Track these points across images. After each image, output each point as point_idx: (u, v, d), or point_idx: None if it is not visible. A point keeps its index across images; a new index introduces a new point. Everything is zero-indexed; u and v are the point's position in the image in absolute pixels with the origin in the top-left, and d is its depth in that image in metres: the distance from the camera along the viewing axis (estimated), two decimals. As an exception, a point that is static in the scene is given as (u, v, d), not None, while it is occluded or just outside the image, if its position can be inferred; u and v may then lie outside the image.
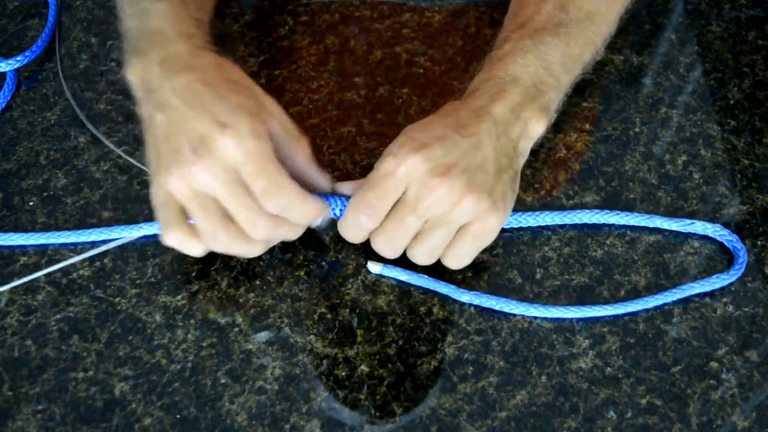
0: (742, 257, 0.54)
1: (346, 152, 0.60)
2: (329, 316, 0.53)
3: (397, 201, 0.48)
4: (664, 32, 0.68)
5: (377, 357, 0.51)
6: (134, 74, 0.50)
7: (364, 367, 0.51)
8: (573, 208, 0.57)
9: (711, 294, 0.54)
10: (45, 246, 0.55)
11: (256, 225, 0.48)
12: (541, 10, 0.55)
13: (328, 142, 0.61)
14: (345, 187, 0.53)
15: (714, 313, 0.53)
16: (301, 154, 0.50)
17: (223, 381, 0.50)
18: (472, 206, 0.48)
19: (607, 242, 0.56)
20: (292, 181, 0.47)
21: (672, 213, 0.57)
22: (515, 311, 0.52)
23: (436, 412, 0.49)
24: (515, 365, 0.51)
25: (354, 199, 0.49)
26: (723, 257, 0.56)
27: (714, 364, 0.51)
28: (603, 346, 0.52)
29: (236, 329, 0.52)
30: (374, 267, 0.54)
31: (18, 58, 0.63)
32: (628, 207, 0.57)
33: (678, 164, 0.60)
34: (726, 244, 0.55)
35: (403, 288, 0.54)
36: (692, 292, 0.53)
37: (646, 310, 0.53)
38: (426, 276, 0.53)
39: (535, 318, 0.52)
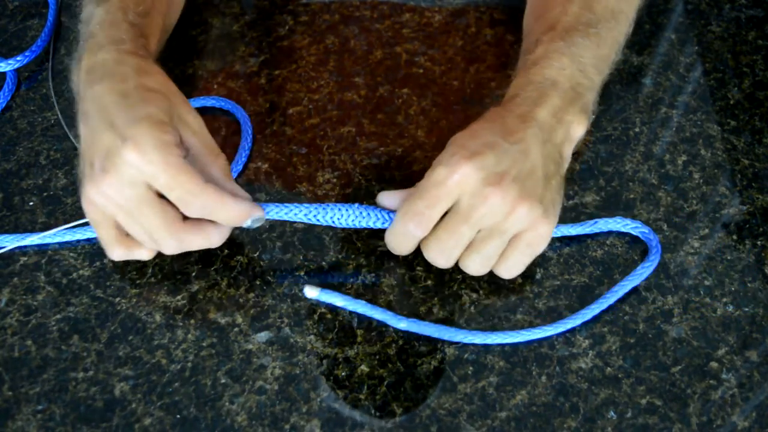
0: (655, 245, 0.55)
1: (346, 152, 0.60)
2: (329, 316, 0.53)
3: (449, 210, 0.48)
4: (664, 32, 0.68)
5: (377, 357, 0.51)
6: (72, 81, 0.50)
7: (364, 367, 0.51)
8: (573, 208, 0.57)
9: (710, 294, 0.54)
10: (46, 246, 0.55)
11: (164, 242, 0.48)
12: (567, 10, 0.54)
13: (328, 142, 0.61)
14: (387, 198, 0.51)
15: (714, 313, 0.53)
16: (216, 167, 0.49)
17: (223, 381, 0.50)
18: (525, 215, 0.47)
19: (607, 242, 0.56)
20: (207, 185, 0.46)
21: (672, 213, 0.57)
22: (454, 339, 0.51)
23: (436, 412, 0.49)
24: (515, 365, 0.51)
25: (403, 208, 0.48)
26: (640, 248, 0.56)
27: (714, 364, 0.51)
28: (603, 346, 0.52)
29: (236, 329, 0.52)
30: (311, 292, 0.52)
31: (18, 58, 0.63)
32: (628, 207, 0.57)
33: (678, 164, 0.60)
34: (640, 236, 0.55)
35: (403, 288, 0.54)
36: (624, 291, 0.53)
37: (589, 322, 0.53)
38: (363, 301, 0.52)
39: (471, 344, 0.51)
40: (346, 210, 0.51)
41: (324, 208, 0.51)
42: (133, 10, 0.52)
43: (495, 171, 0.46)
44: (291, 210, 0.51)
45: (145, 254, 0.51)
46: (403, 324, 0.51)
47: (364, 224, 0.51)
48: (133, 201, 0.46)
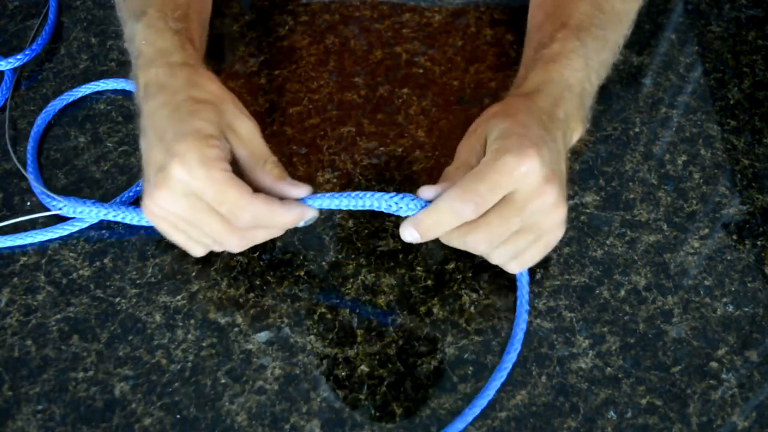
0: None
1: (346, 152, 0.60)
2: (329, 316, 0.53)
3: (502, 199, 0.46)
4: (664, 32, 0.68)
5: (377, 357, 0.51)
6: (135, 99, 0.51)
7: (364, 367, 0.51)
8: (574, 207, 0.57)
9: (710, 294, 0.54)
10: (46, 245, 0.55)
11: (226, 243, 0.49)
12: (579, 7, 0.54)
13: (328, 142, 0.61)
14: (427, 191, 0.48)
15: (714, 313, 0.53)
16: (265, 173, 0.49)
17: (223, 381, 0.50)
18: (562, 217, 0.47)
19: (607, 242, 0.56)
20: (255, 196, 0.47)
21: (672, 213, 0.57)
22: None
23: (436, 412, 0.49)
24: (515, 365, 0.51)
25: (460, 188, 0.46)
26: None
27: (714, 364, 0.51)
28: (603, 346, 0.52)
29: (236, 329, 0.52)
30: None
31: (18, 56, 0.63)
32: (628, 207, 0.57)
33: (678, 164, 0.60)
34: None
35: (403, 288, 0.54)
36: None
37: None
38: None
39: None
40: (384, 199, 0.49)
41: (362, 197, 0.49)
42: (171, 17, 0.52)
43: (551, 168, 0.46)
44: (334, 199, 0.50)
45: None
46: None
47: (402, 213, 0.49)
48: (188, 212, 0.47)
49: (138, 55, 0.51)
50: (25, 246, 0.55)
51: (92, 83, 0.63)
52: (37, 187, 0.57)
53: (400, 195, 0.48)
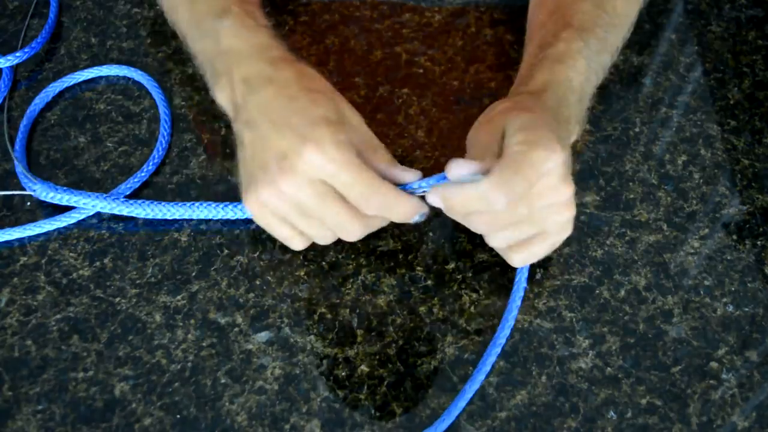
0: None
1: (346, 152, 0.60)
2: (329, 316, 0.53)
3: None
4: (664, 32, 0.68)
5: (377, 357, 0.51)
6: (222, 95, 0.51)
7: (364, 367, 0.51)
8: (573, 208, 0.57)
9: (710, 294, 0.54)
10: (46, 245, 0.55)
11: (349, 230, 0.49)
12: (582, 8, 0.54)
13: (328, 142, 0.61)
14: (458, 169, 0.47)
15: (714, 313, 0.53)
16: (380, 160, 0.49)
17: (223, 381, 0.50)
18: (570, 218, 0.48)
19: (607, 242, 0.56)
20: (384, 183, 0.47)
21: (672, 213, 0.57)
22: None
23: (436, 412, 0.49)
24: (515, 365, 0.51)
25: (496, 178, 0.45)
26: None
27: (714, 364, 0.51)
28: (603, 346, 0.52)
29: (236, 329, 0.52)
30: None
31: (17, 54, 0.63)
32: (628, 207, 0.57)
33: (678, 164, 0.60)
34: None
35: (403, 288, 0.54)
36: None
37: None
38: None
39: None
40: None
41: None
42: (260, 14, 0.52)
43: (568, 167, 0.46)
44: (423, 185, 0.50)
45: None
46: None
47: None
48: (314, 198, 0.46)
49: (231, 51, 0.50)
50: (11, 241, 0.55)
51: (90, 69, 0.64)
52: (19, 167, 0.58)
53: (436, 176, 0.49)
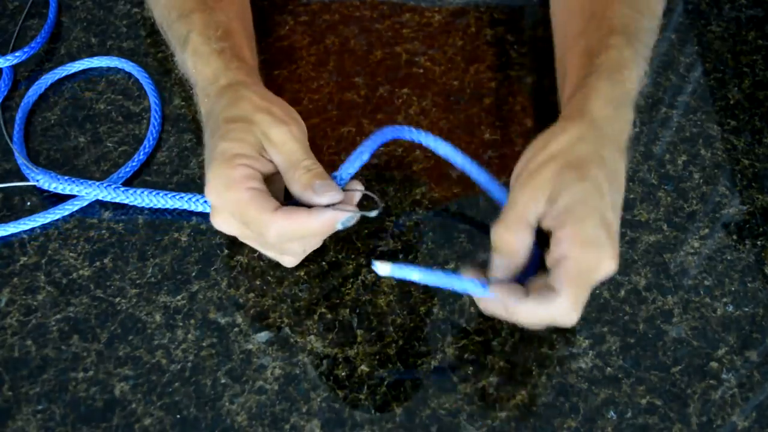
0: None
1: (346, 152, 0.60)
2: (329, 316, 0.53)
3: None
4: (664, 32, 0.68)
5: (377, 357, 0.51)
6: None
7: (364, 367, 0.51)
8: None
9: (710, 294, 0.54)
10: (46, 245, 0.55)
11: (273, 258, 0.52)
12: (622, 11, 0.53)
13: (328, 142, 0.61)
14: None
15: (714, 313, 0.53)
16: (295, 184, 0.48)
17: (223, 381, 0.50)
18: (564, 325, 0.48)
19: (607, 242, 0.56)
20: (275, 215, 0.46)
21: (672, 213, 0.57)
22: None
23: (436, 412, 0.49)
24: (515, 365, 0.51)
25: (571, 302, 0.45)
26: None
27: (714, 364, 0.51)
28: (603, 346, 0.52)
29: (236, 329, 0.52)
30: (382, 268, 0.46)
31: (17, 54, 0.63)
32: (628, 207, 0.57)
33: (678, 164, 0.60)
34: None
35: (403, 288, 0.54)
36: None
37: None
38: (443, 271, 0.48)
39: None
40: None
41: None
42: (214, 37, 0.53)
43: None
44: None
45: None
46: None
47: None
48: (236, 231, 0.49)
49: (195, 84, 0.53)
50: (13, 237, 0.55)
51: (82, 60, 0.64)
52: (20, 158, 0.58)
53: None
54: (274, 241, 0.48)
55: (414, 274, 0.47)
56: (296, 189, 0.48)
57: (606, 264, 0.45)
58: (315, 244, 0.51)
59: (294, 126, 0.49)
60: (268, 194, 0.47)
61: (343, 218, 0.47)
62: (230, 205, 0.47)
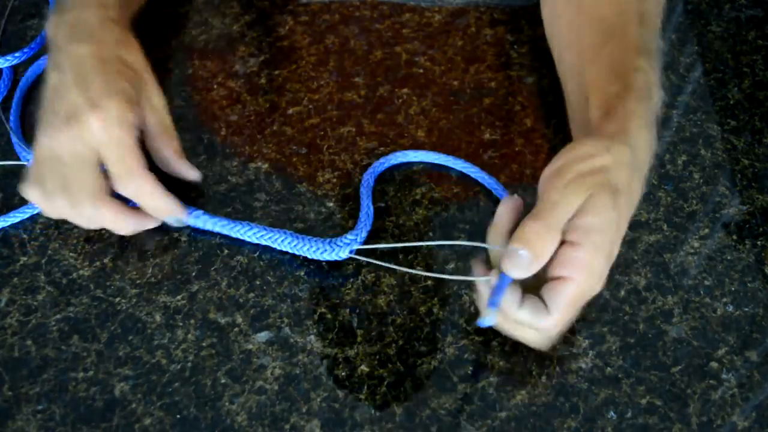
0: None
1: (346, 152, 0.60)
2: (329, 316, 0.53)
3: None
4: (664, 32, 0.68)
5: (377, 357, 0.51)
6: (50, 29, 0.53)
7: (364, 367, 0.51)
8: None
9: (710, 294, 0.54)
10: (46, 245, 0.55)
11: (82, 208, 0.51)
12: (637, 30, 0.52)
13: (328, 142, 0.61)
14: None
15: (714, 313, 0.53)
16: (167, 149, 0.54)
17: (223, 381, 0.50)
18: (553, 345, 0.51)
19: (607, 242, 0.56)
20: (146, 173, 0.50)
21: (672, 213, 0.57)
22: None
23: (436, 412, 0.49)
24: (515, 365, 0.51)
25: (560, 320, 0.46)
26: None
27: (714, 364, 0.51)
28: (603, 346, 0.52)
29: (236, 329, 0.52)
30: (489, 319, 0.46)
31: (16, 54, 0.63)
32: (628, 207, 0.57)
33: (678, 164, 0.60)
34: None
35: (403, 288, 0.54)
36: None
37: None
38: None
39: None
40: (271, 233, 0.54)
41: (250, 227, 0.54)
42: None
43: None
44: (217, 222, 0.54)
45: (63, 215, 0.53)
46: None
47: (285, 247, 0.54)
48: (77, 158, 0.49)
49: None
50: (13, 236, 0.55)
51: None
52: (14, 138, 0.59)
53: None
54: (127, 193, 0.50)
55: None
56: (167, 153, 0.53)
57: (596, 291, 0.46)
58: (113, 226, 0.53)
59: (164, 99, 0.54)
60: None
61: (177, 216, 0.53)
62: (112, 142, 0.48)
